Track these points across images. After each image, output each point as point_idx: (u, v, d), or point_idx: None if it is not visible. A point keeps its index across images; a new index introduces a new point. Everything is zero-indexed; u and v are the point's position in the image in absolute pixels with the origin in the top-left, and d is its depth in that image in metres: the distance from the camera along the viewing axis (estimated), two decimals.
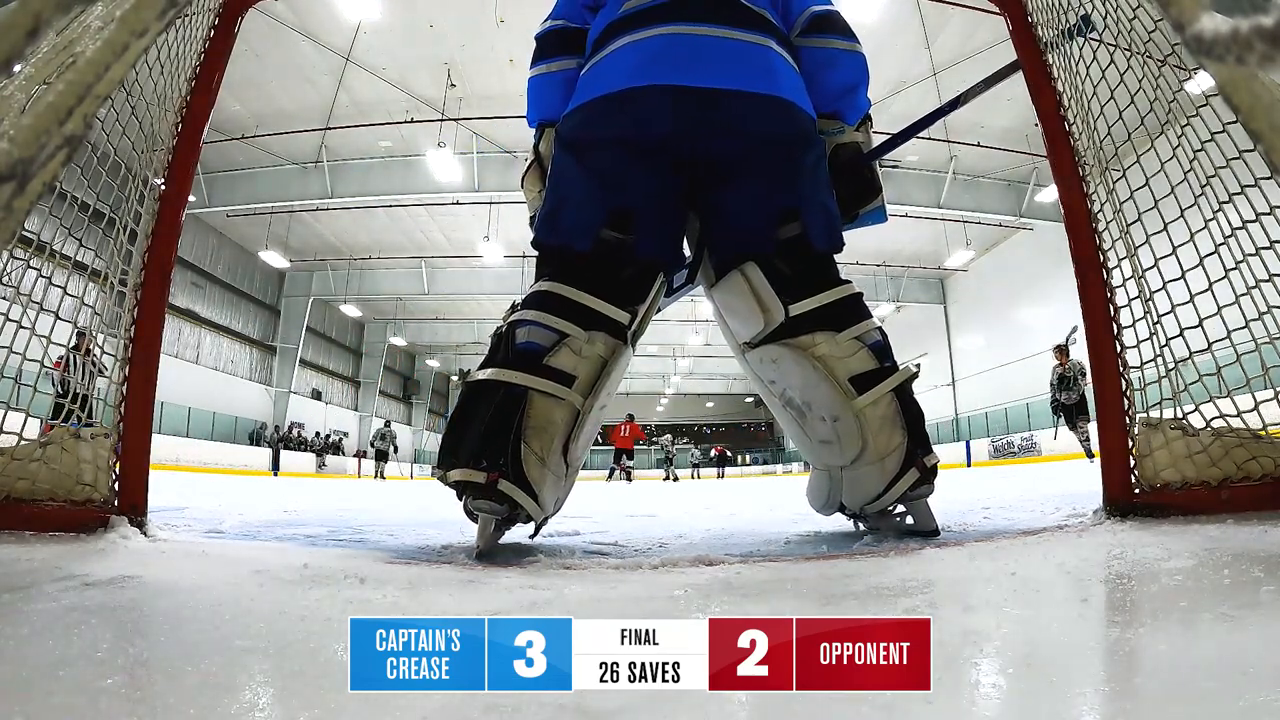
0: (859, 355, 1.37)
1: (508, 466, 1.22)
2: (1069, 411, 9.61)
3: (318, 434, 22.37)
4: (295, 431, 21.17)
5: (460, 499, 1.29)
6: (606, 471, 15.83)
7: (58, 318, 1.33)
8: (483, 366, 1.32)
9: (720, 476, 21.74)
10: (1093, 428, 1.40)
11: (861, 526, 1.53)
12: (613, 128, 1.34)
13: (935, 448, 1.40)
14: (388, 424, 20.23)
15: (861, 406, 1.33)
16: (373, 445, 19.37)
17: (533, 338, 1.31)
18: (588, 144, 1.36)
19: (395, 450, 20.45)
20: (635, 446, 15.31)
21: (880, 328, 1.43)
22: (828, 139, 1.53)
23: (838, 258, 1.49)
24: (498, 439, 1.23)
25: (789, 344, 1.38)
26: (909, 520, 1.41)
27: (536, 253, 1.45)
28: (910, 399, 1.39)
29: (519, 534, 1.53)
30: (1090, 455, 10.09)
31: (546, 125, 1.56)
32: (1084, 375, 9.37)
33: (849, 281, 1.45)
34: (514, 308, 1.39)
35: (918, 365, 1.47)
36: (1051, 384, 9.81)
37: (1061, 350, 9.89)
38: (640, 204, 1.35)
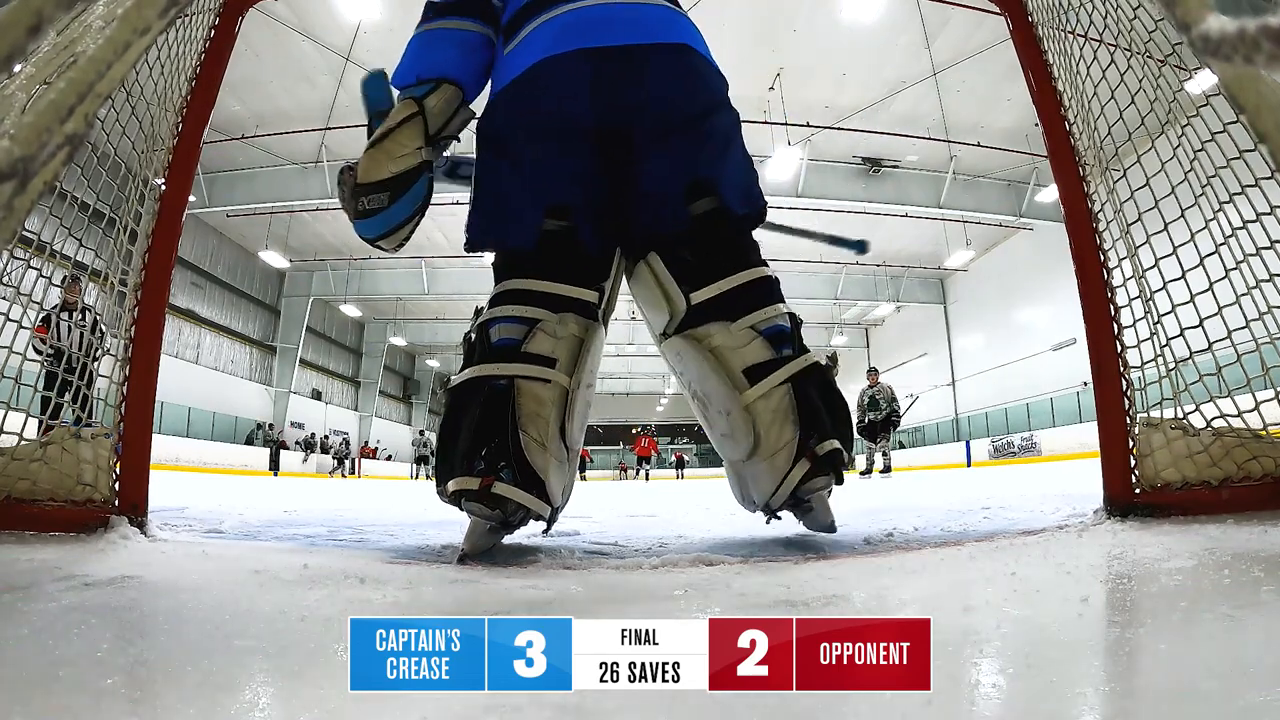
0: (753, 345, 1.29)
1: (512, 465, 1.18)
2: (873, 428, 10.55)
3: (344, 441, 22.48)
4: (300, 436, 21.25)
5: (460, 506, 1.25)
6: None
7: (58, 318, 1.33)
8: (474, 359, 1.29)
9: (680, 477, 22.87)
10: (1093, 428, 1.40)
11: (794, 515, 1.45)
12: (534, 105, 1.28)
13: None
14: (422, 432, 20.87)
15: (751, 399, 1.26)
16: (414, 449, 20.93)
17: (505, 333, 1.28)
18: (510, 133, 1.31)
19: (433, 454, 21.08)
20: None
21: (790, 313, 1.37)
22: None
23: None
24: (494, 435, 1.19)
25: (688, 335, 1.33)
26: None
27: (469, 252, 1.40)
28: (814, 389, 1.29)
29: (525, 533, 1.52)
30: (869, 470, 10.77)
31: (439, 81, 1.34)
32: (893, 400, 10.44)
33: (763, 264, 1.38)
34: (478, 311, 1.35)
35: (832, 354, 1.41)
36: (860, 404, 10.59)
37: (873, 372, 11.08)
38: (575, 195, 1.31)
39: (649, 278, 1.38)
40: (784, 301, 1.38)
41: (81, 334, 1.43)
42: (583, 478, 19.97)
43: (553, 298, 1.29)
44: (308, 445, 20.95)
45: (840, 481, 1.34)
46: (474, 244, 1.36)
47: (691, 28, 1.38)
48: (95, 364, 1.43)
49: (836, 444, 1.29)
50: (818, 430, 1.28)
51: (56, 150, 0.36)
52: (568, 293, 1.30)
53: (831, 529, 1.36)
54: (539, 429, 1.21)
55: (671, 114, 1.30)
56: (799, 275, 20.67)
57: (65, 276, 1.42)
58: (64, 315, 1.38)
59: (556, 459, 1.24)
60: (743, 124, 1.47)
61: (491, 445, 1.19)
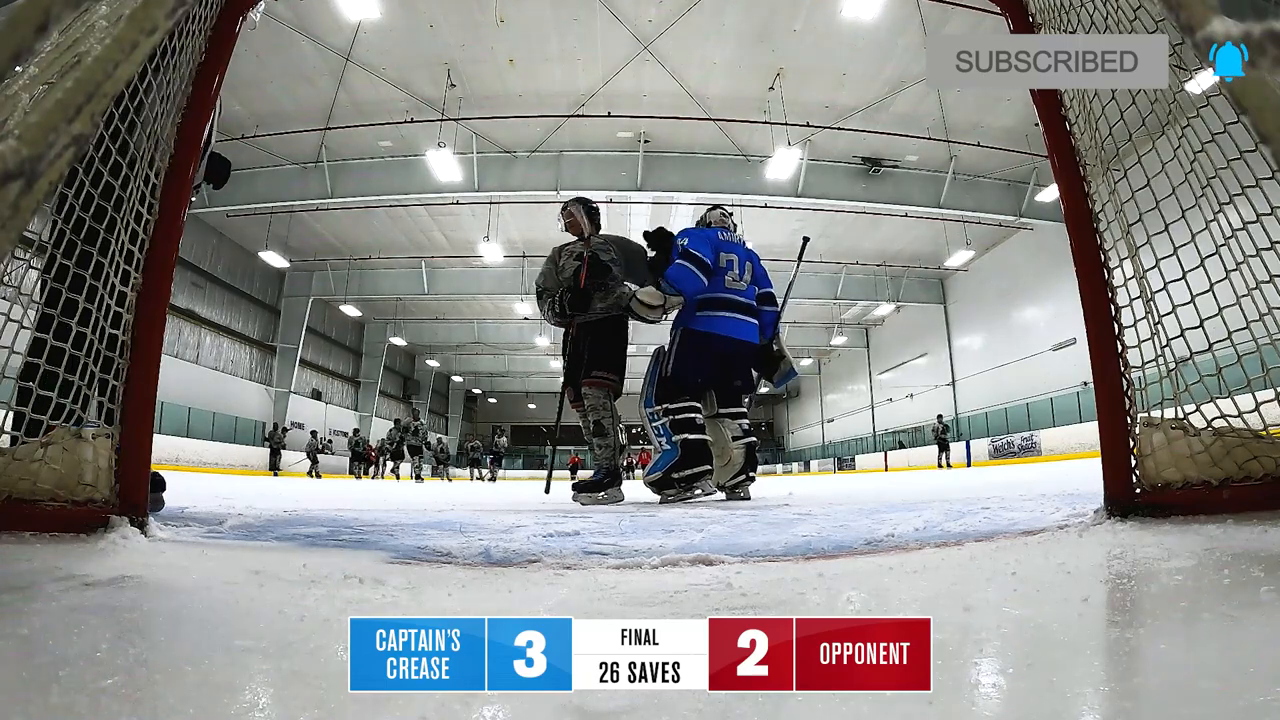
0: (735, 428, 3.95)
1: (714, 468, 3.79)
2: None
3: (441, 441, 21.54)
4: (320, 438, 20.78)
5: (685, 486, 3.63)
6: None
7: (58, 317, 1.33)
8: (684, 432, 3.66)
9: (630, 477, 23.57)
10: (1093, 428, 1.40)
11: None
12: (706, 347, 3.78)
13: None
14: (356, 431, 20.76)
15: (732, 447, 3.94)
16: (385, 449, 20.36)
17: (699, 421, 3.75)
18: (694, 348, 3.78)
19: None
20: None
21: (749, 421, 4.09)
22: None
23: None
24: (707, 459, 3.71)
25: (715, 419, 4.00)
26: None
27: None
28: (752, 450, 3.96)
29: (528, 533, 1.52)
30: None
31: (683, 297, 3.84)
32: None
33: (745, 407, 4.07)
34: (667, 411, 3.71)
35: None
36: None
37: None
38: (709, 377, 3.88)
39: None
40: (747, 417, 4.04)
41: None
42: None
43: (699, 410, 3.80)
44: (359, 455, 19.27)
45: (750, 481, 3.86)
46: (679, 382, 3.76)
47: (763, 322, 4.02)
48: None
49: (753, 475, 3.90)
50: (749, 464, 3.87)
51: (63, 150, 0.36)
52: (705, 410, 3.88)
53: (747, 498, 3.74)
54: (712, 459, 3.79)
55: (744, 361, 4.00)
56: (799, 275, 20.60)
57: None
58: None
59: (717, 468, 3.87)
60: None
61: (706, 463, 3.70)
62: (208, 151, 2.50)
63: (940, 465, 18.27)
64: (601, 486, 3.66)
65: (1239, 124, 1.12)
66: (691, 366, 3.73)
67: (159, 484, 2.06)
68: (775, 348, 4.09)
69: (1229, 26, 0.33)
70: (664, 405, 3.72)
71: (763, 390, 4.41)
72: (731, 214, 4.32)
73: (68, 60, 0.56)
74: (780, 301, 4.21)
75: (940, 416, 19.66)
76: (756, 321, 3.89)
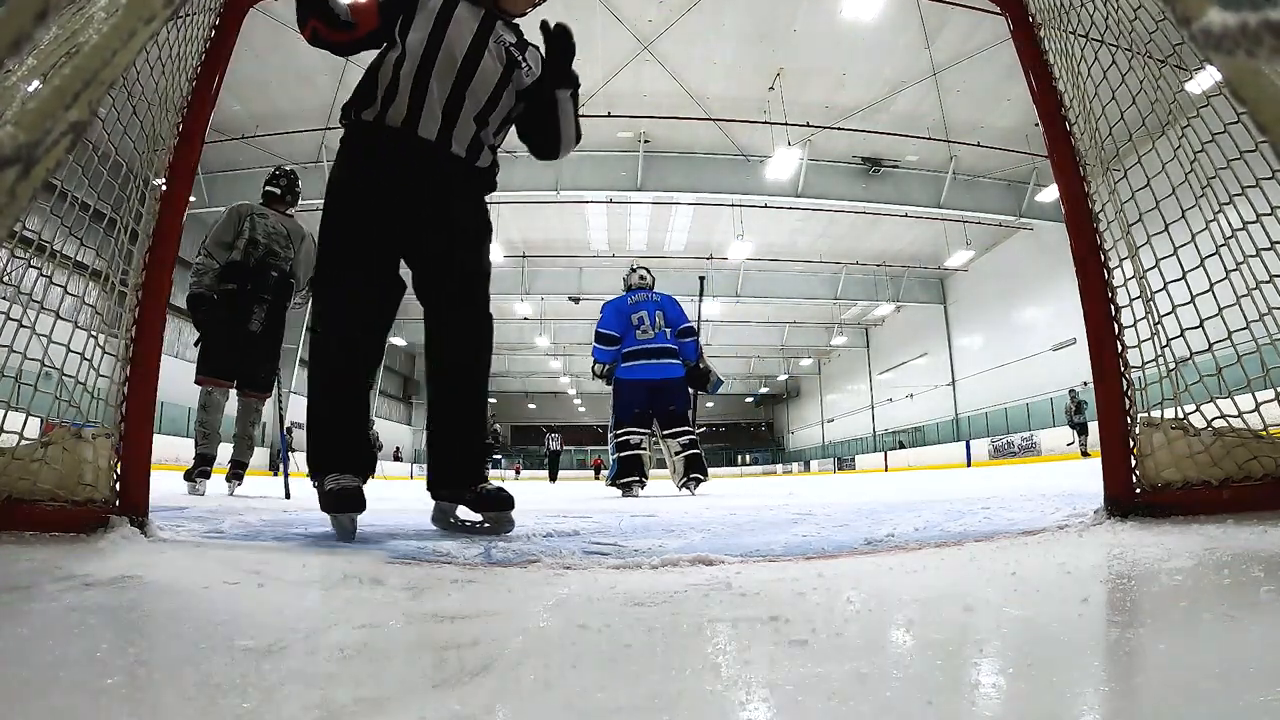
0: (677, 444, 5.47)
1: (644, 476, 5.45)
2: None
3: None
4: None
5: (624, 488, 5.34)
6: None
7: (58, 317, 1.33)
8: (621, 451, 5.45)
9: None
10: (1093, 428, 1.40)
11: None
12: (634, 390, 5.46)
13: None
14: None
15: (676, 456, 5.52)
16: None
17: (634, 442, 5.44)
18: (621, 390, 5.52)
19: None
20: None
21: (693, 435, 5.56)
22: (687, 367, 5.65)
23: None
24: (639, 470, 5.40)
25: (663, 437, 5.65)
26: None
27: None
28: (695, 459, 5.40)
29: (527, 533, 1.52)
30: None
31: (604, 365, 5.66)
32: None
33: (690, 425, 5.59)
34: (615, 438, 5.57)
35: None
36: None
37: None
38: (643, 407, 5.47)
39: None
40: (693, 430, 5.57)
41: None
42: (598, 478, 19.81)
43: (641, 433, 5.48)
44: None
45: (699, 482, 5.36)
46: (619, 417, 5.56)
47: (677, 367, 5.55)
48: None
49: (698, 476, 5.32)
50: (691, 468, 5.33)
51: (60, 137, 0.36)
52: (643, 430, 5.53)
53: (691, 492, 5.29)
54: (646, 467, 5.52)
55: (670, 393, 5.47)
56: (799, 275, 20.70)
57: None
58: None
59: (647, 476, 5.57)
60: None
61: (638, 470, 5.38)
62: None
63: (1082, 453, 14.24)
64: (189, 476, 4.28)
65: (1239, 124, 1.12)
66: (624, 404, 5.48)
67: (507, 502, 1.70)
68: (701, 366, 5.70)
69: (1225, 17, 0.33)
70: (612, 433, 5.59)
71: (749, 399, 6.14)
72: (647, 271, 5.91)
73: (66, 50, 0.56)
74: (696, 328, 5.81)
75: (1073, 393, 15.01)
76: (672, 359, 5.47)
